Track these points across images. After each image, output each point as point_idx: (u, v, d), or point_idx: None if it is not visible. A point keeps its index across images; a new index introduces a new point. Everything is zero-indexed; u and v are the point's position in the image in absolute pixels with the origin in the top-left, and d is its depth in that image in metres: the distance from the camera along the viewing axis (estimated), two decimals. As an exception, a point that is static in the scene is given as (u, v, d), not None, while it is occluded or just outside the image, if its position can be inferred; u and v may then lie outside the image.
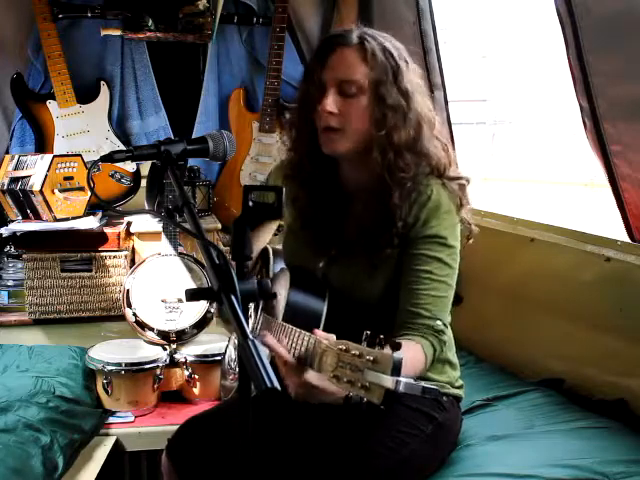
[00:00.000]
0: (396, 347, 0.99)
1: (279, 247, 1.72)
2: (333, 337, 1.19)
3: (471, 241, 1.54)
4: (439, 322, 1.42)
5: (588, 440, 1.64)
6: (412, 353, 1.35)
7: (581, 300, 1.99)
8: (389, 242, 1.46)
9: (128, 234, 2.92)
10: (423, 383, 0.98)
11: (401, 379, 0.96)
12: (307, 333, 1.23)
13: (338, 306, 1.46)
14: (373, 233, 1.47)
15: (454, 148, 1.57)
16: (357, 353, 1.03)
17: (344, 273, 1.52)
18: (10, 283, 2.90)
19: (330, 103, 1.43)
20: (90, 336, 2.65)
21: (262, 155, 3.28)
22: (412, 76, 1.47)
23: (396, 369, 0.96)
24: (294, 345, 1.25)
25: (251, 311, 1.65)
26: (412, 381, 0.97)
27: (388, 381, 0.96)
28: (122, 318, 2.54)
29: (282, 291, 1.47)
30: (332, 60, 1.45)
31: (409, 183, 1.45)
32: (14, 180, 2.76)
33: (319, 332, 1.22)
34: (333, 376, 1.07)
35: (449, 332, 1.50)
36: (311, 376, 1.18)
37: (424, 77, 1.51)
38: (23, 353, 2.44)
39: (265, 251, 1.73)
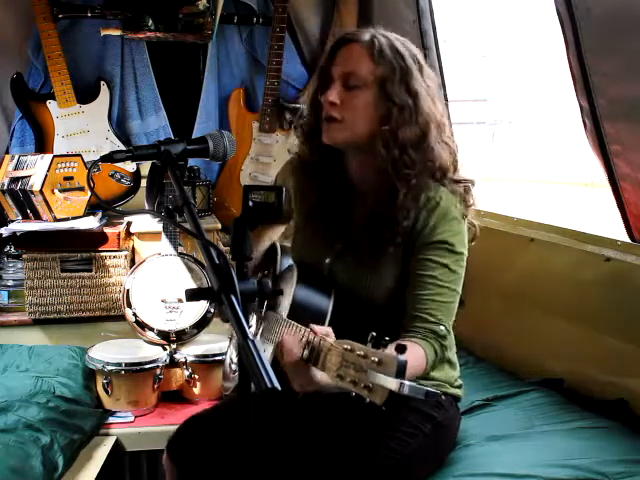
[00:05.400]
0: (401, 350, 0.99)
1: (287, 244, 1.72)
2: (330, 331, 1.21)
3: (473, 243, 1.55)
4: (442, 327, 1.43)
5: (588, 440, 1.64)
6: (413, 355, 1.35)
7: (581, 300, 1.99)
8: (392, 240, 1.47)
9: (128, 234, 2.92)
10: (427, 387, 0.98)
11: (405, 382, 0.96)
12: (310, 331, 1.24)
13: (343, 304, 1.46)
14: (377, 230, 1.48)
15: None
16: (362, 354, 1.03)
17: (349, 269, 1.53)
18: (10, 283, 2.89)
19: (333, 94, 1.46)
20: (90, 336, 2.65)
21: (262, 155, 3.28)
22: (425, 80, 1.48)
23: (400, 371, 0.96)
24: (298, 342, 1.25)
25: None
26: (416, 384, 0.96)
27: (392, 383, 0.96)
28: (122, 318, 2.54)
29: (288, 288, 1.47)
30: (340, 55, 1.49)
31: (414, 180, 1.46)
32: (14, 180, 2.76)
33: (316, 327, 1.23)
34: (337, 375, 1.07)
35: (452, 338, 1.51)
36: (318, 375, 1.21)
37: (441, 86, 1.52)
38: (23, 353, 2.44)
39: (273, 248, 1.73)
